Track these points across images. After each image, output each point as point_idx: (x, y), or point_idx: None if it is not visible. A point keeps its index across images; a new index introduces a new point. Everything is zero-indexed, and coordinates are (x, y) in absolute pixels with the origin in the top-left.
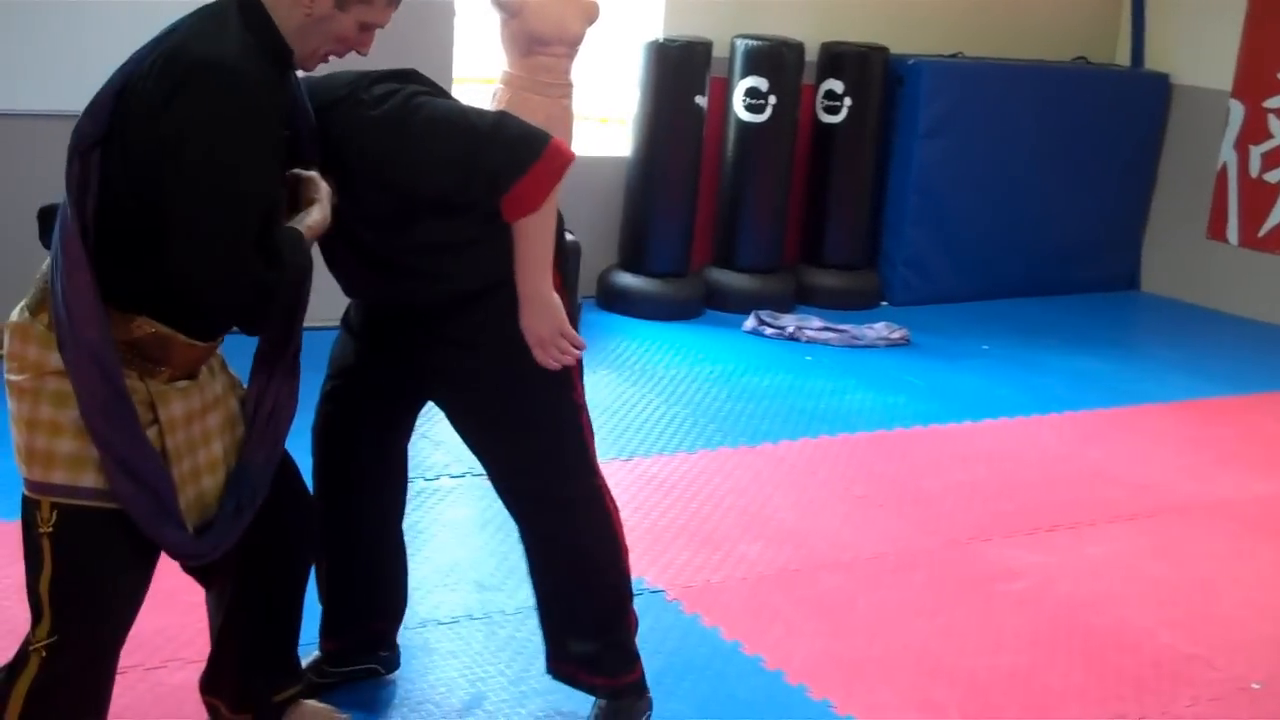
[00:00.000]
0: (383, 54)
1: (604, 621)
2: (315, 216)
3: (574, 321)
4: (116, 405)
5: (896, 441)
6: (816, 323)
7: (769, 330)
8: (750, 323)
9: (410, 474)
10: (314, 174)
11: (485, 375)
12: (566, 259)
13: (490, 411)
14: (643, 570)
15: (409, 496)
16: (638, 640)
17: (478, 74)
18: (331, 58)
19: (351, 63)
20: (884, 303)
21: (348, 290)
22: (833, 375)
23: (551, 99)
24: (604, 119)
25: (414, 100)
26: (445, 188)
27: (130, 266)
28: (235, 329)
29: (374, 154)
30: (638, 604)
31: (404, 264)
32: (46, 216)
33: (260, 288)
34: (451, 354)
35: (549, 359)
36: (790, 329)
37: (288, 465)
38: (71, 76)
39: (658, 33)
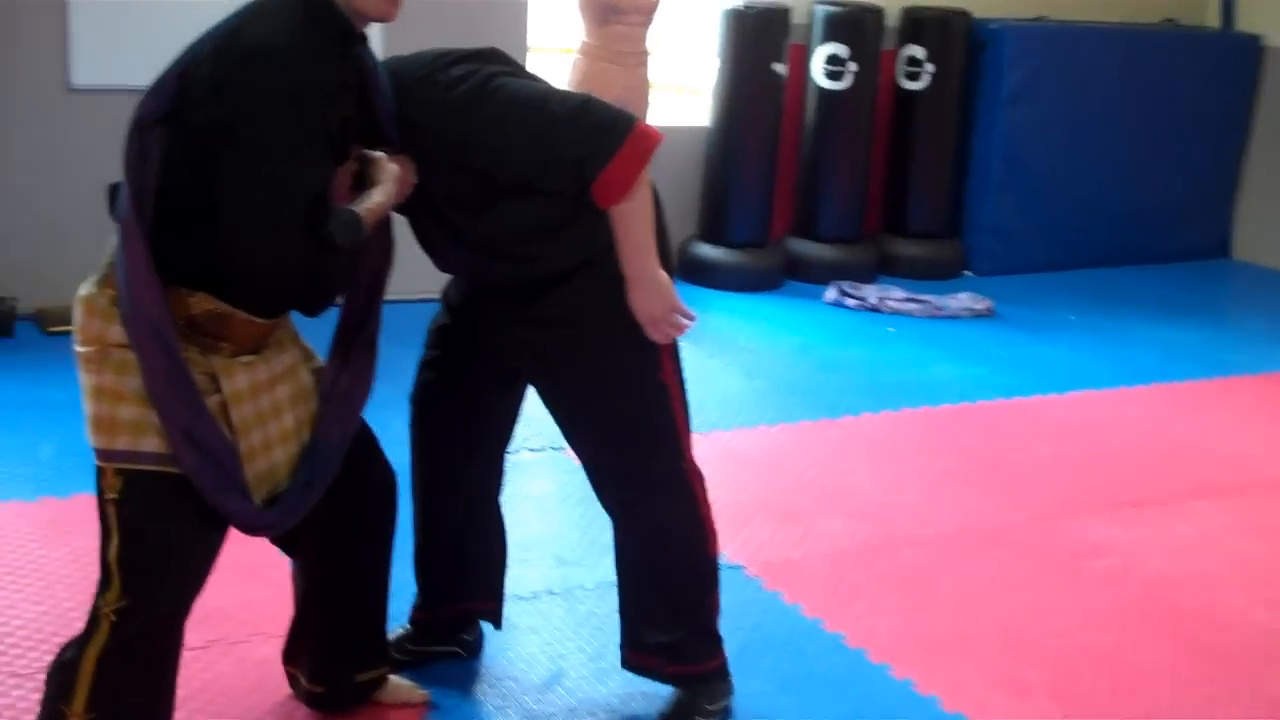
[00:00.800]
0: (457, 25)
1: (687, 608)
2: (376, 198)
3: None
4: (177, 376)
5: (980, 414)
6: (898, 293)
7: (850, 301)
8: (831, 294)
9: None
10: (380, 155)
11: (572, 355)
12: (664, 232)
13: (577, 391)
14: (722, 545)
15: None
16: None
17: (555, 44)
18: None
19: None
20: (967, 272)
21: (440, 267)
22: (915, 347)
23: (628, 68)
24: (682, 88)
25: (492, 82)
26: (525, 173)
27: (187, 244)
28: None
29: (452, 137)
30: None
31: (492, 245)
32: (116, 191)
33: (310, 270)
34: (539, 332)
35: (661, 335)
36: (872, 300)
37: (366, 435)
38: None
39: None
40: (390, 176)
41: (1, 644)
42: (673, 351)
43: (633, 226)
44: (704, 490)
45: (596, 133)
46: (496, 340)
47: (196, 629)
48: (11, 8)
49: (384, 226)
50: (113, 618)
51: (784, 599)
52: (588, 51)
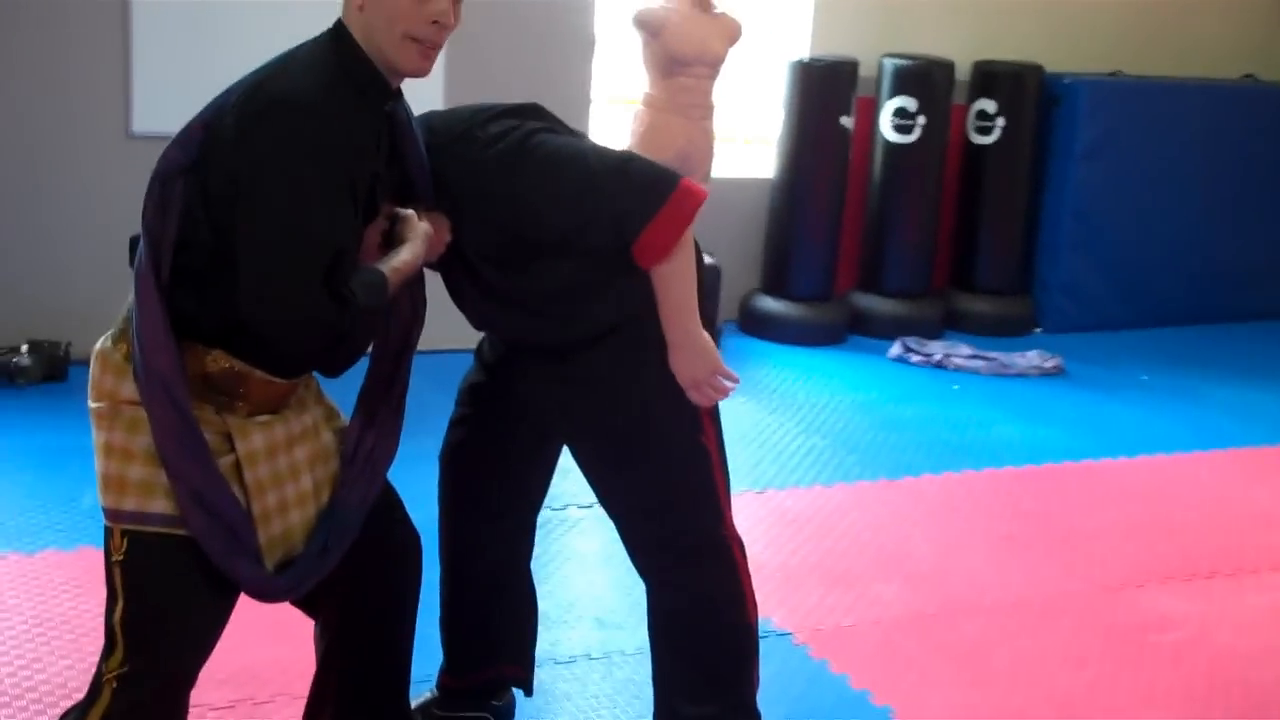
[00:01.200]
0: (522, 75)
1: (723, 681)
2: (403, 256)
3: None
4: (188, 436)
5: (1046, 477)
6: (965, 350)
7: (915, 358)
8: (895, 349)
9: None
10: (410, 212)
11: (608, 416)
12: (708, 292)
13: (612, 453)
14: (769, 611)
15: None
16: (760, 688)
17: (620, 95)
18: (430, 46)
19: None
20: (1037, 329)
21: (475, 325)
22: (980, 405)
23: (692, 120)
24: (748, 140)
25: (531, 140)
26: (563, 231)
27: (204, 300)
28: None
29: (489, 196)
30: (764, 646)
31: (528, 303)
32: (137, 243)
33: (327, 330)
34: (574, 392)
35: (704, 399)
36: (937, 356)
37: (390, 496)
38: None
39: (803, 52)
40: (419, 235)
41: (24, 699)
42: (713, 412)
43: (674, 288)
44: (744, 557)
45: (638, 192)
46: (530, 400)
47: (220, 688)
48: (75, 54)
49: (416, 285)
50: (115, 684)
51: (831, 668)
52: (652, 104)
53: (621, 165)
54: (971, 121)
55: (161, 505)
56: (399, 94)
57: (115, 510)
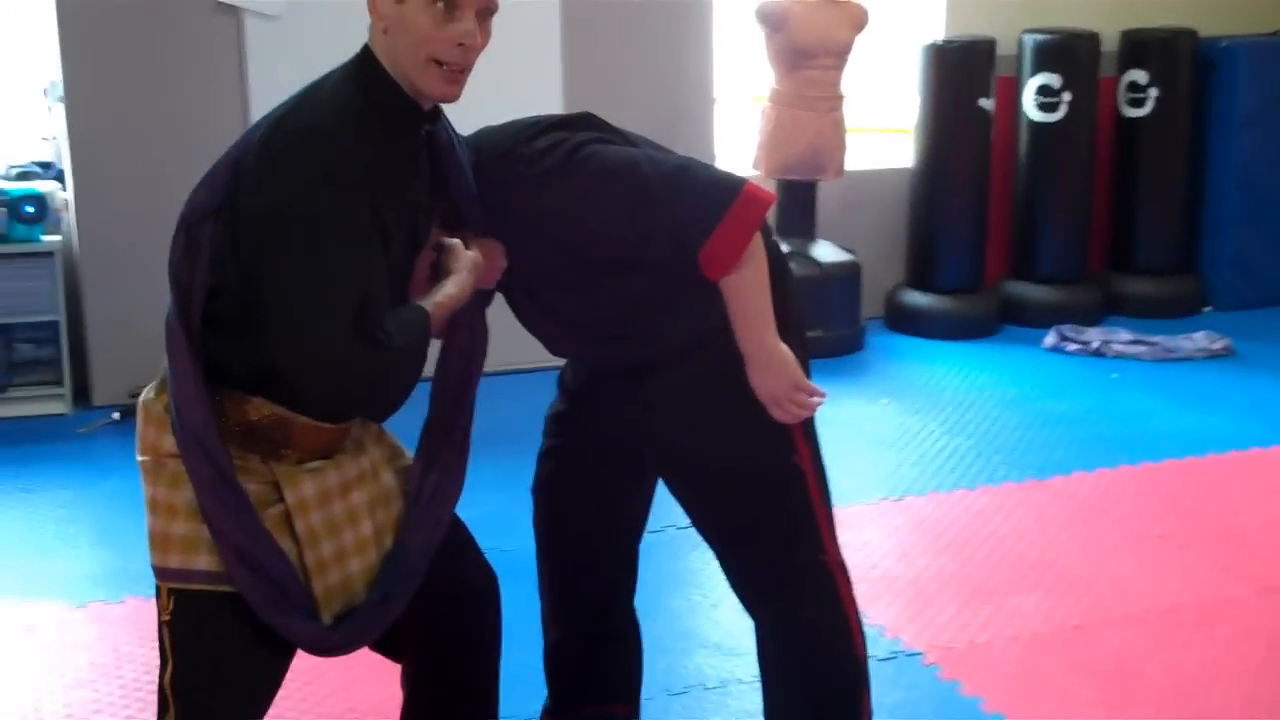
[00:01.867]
0: (643, 78)
1: (830, 715)
2: (448, 290)
3: (804, 367)
4: (226, 492)
5: (1209, 470)
6: (1125, 335)
7: (1071, 346)
8: (1050, 339)
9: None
10: (456, 242)
11: (693, 441)
12: (787, 297)
13: (700, 478)
14: (899, 630)
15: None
16: (881, 714)
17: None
18: (456, 70)
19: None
20: (1207, 308)
21: (551, 351)
22: (1140, 394)
23: (821, 114)
24: (883, 129)
25: (581, 152)
26: (622, 248)
27: (239, 349)
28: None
29: (540, 215)
30: (890, 668)
31: (597, 327)
32: None
33: (362, 378)
34: (657, 417)
35: (787, 416)
36: (1095, 344)
37: (460, 535)
38: None
39: (937, 34)
40: (467, 265)
41: None
42: (807, 431)
43: (746, 298)
44: (848, 584)
45: (698, 200)
46: (612, 426)
47: None
48: (196, 92)
49: (475, 316)
50: None
51: (962, 690)
52: (778, 99)
53: (678, 173)
54: (1122, 94)
55: (206, 562)
56: (436, 115)
57: (161, 568)
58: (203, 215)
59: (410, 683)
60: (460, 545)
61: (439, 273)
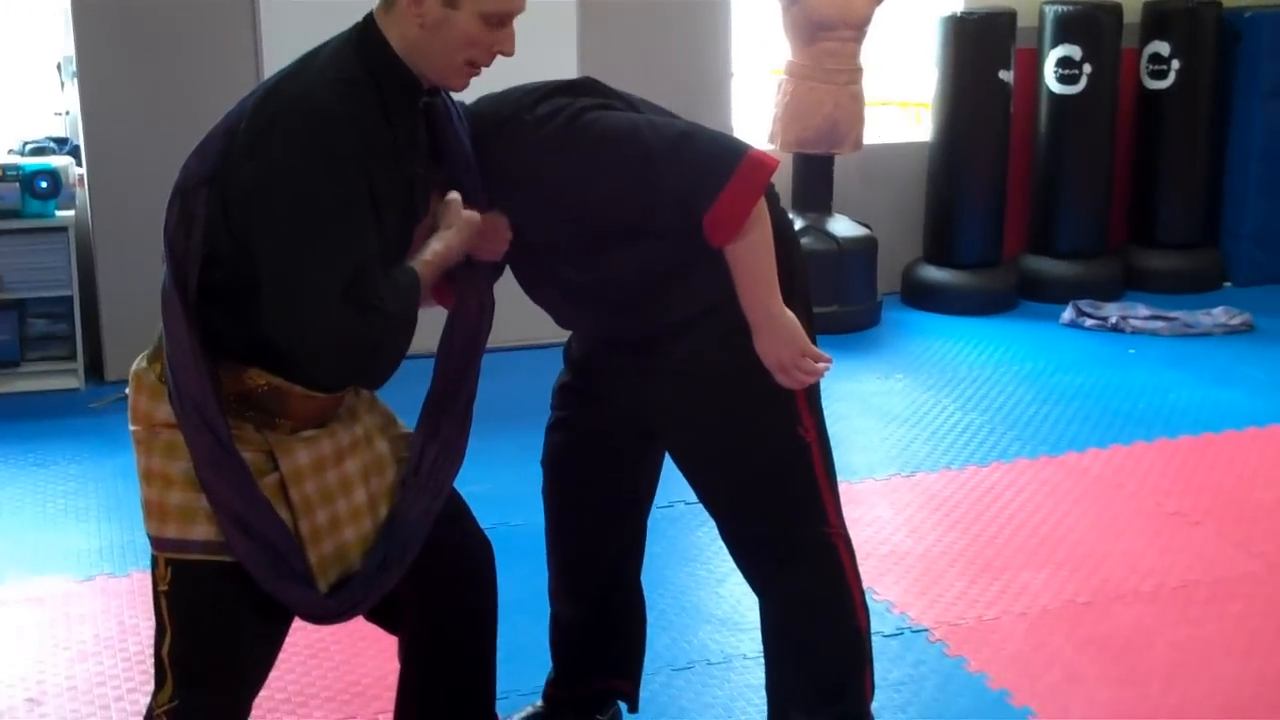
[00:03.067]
0: (657, 51)
1: (831, 690)
2: (436, 246)
3: (810, 334)
4: (223, 458)
5: (1225, 446)
6: (1143, 310)
7: (1089, 321)
8: (1068, 314)
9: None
10: (453, 197)
11: (698, 410)
12: (794, 267)
13: (704, 450)
14: (907, 606)
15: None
16: (888, 689)
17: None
18: (482, 69)
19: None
20: (1227, 284)
21: (558, 323)
22: (1157, 370)
23: (839, 86)
24: (903, 103)
25: (582, 118)
26: (625, 215)
27: (234, 318)
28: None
29: (542, 182)
30: (897, 644)
31: (604, 296)
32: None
33: (355, 345)
34: (663, 387)
35: (792, 382)
36: (1113, 319)
37: (457, 506)
38: None
39: (956, 5)
40: (460, 221)
41: None
42: (812, 405)
43: (751, 264)
44: (852, 558)
45: (701, 166)
46: (619, 398)
47: (324, 706)
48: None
49: (484, 287)
50: (166, 717)
51: (968, 667)
52: (795, 72)
53: (681, 139)
54: (1144, 66)
55: (203, 531)
56: (435, 89)
57: (158, 538)
58: (196, 183)
59: (407, 654)
60: (455, 516)
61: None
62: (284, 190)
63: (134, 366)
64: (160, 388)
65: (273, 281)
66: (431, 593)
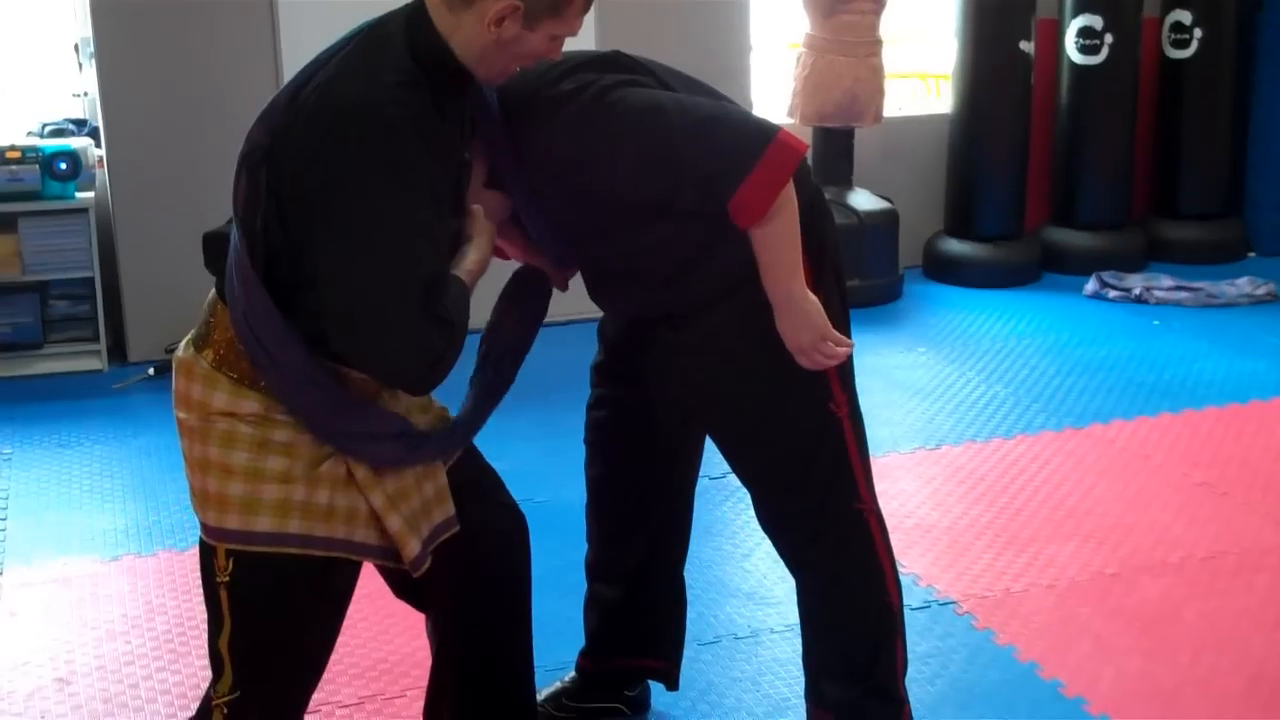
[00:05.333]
0: (678, 24)
1: (862, 664)
2: (471, 258)
3: (843, 318)
4: (341, 399)
5: (1252, 416)
6: (1167, 281)
7: (1112, 293)
8: (1091, 286)
9: None
10: (475, 209)
11: (729, 387)
12: (826, 243)
13: (735, 426)
14: (934, 579)
15: None
16: (915, 662)
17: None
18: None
19: None
20: (1251, 254)
21: (593, 299)
22: (1182, 341)
23: (859, 59)
24: (923, 75)
25: (608, 95)
26: (652, 195)
27: (291, 309)
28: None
29: (569, 160)
30: (924, 617)
31: (631, 272)
32: (212, 242)
33: (435, 354)
34: (694, 364)
35: (811, 364)
36: (1136, 290)
37: (490, 477)
38: None
39: None
40: (484, 232)
41: (156, 701)
42: (844, 379)
43: (774, 249)
44: (884, 533)
45: (728, 150)
46: (657, 375)
47: (352, 684)
48: (228, 46)
49: (539, 290)
50: (225, 710)
51: (997, 640)
52: (814, 45)
53: (708, 121)
54: (1166, 35)
55: (266, 523)
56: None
57: (219, 529)
58: (260, 156)
59: (440, 630)
60: (491, 489)
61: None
62: (350, 211)
63: (179, 354)
64: (215, 375)
65: (344, 299)
66: (467, 564)
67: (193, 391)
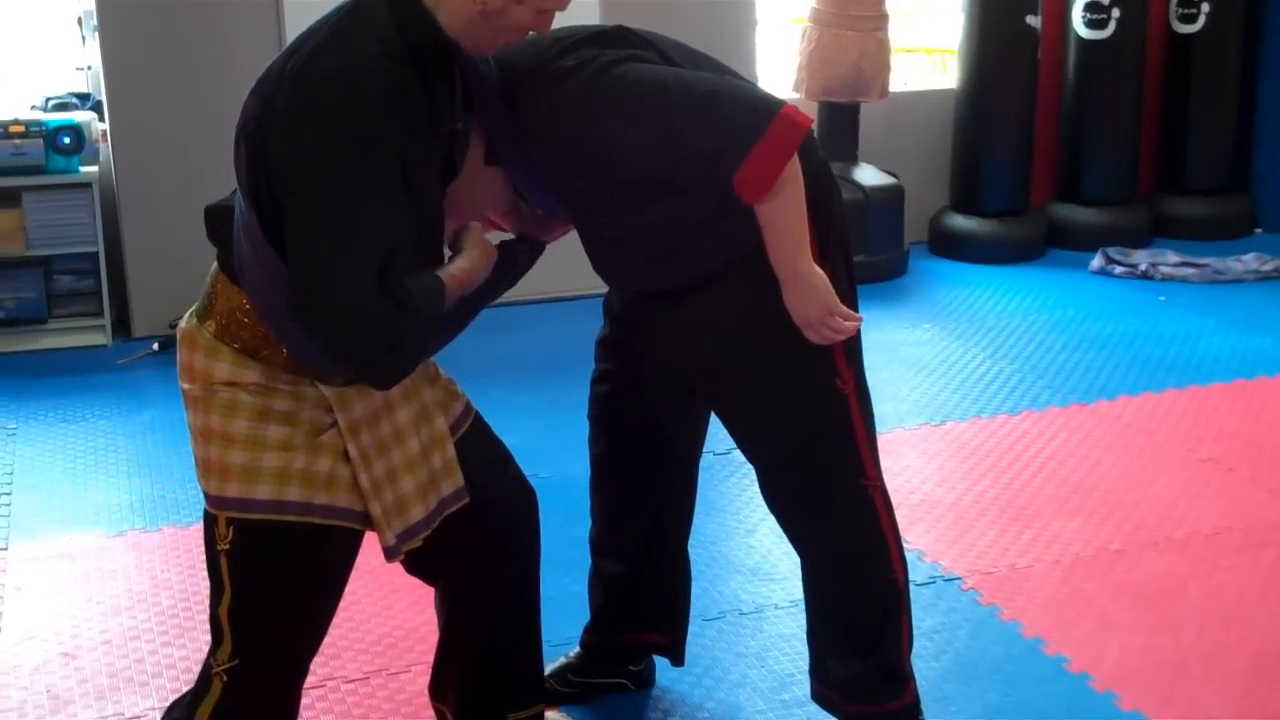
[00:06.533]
0: (680, 2)
1: (866, 640)
2: (460, 264)
3: (850, 292)
4: None
5: (1257, 392)
6: (1173, 257)
7: (1118, 269)
8: (1097, 261)
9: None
10: (474, 224)
11: (731, 361)
12: (833, 217)
13: (740, 401)
14: (939, 555)
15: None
16: (919, 639)
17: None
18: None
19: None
20: (1257, 229)
21: (598, 273)
22: (1188, 317)
23: (865, 33)
24: (929, 50)
25: (611, 71)
26: (656, 170)
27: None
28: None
29: (570, 135)
30: (929, 593)
31: (634, 247)
32: (214, 215)
33: (381, 334)
34: (697, 337)
35: (820, 340)
36: (1143, 266)
37: (497, 449)
38: None
39: None
40: (479, 247)
41: (161, 675)
42: (850, 355)
43: (780, 224)
44: (889, 509)
45: (732, 125)
46: (662, 349)
47: (357, 659)
48: (232, 19)
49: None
50: (225, 678)
51: (1001, 615)
52: (819, 18)
53: (712, 95)
54: (1173, 9)
55: (266, 491)
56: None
57: (219, 497)
58: (254, 127)
59: (450, 601)
60: (498, 460)
61: (454, 247)
62: (314, 174)
63: (182, 325)
64: (217, 345)
65: (302, 267)
66: (475, 535)
67: (195, 362)
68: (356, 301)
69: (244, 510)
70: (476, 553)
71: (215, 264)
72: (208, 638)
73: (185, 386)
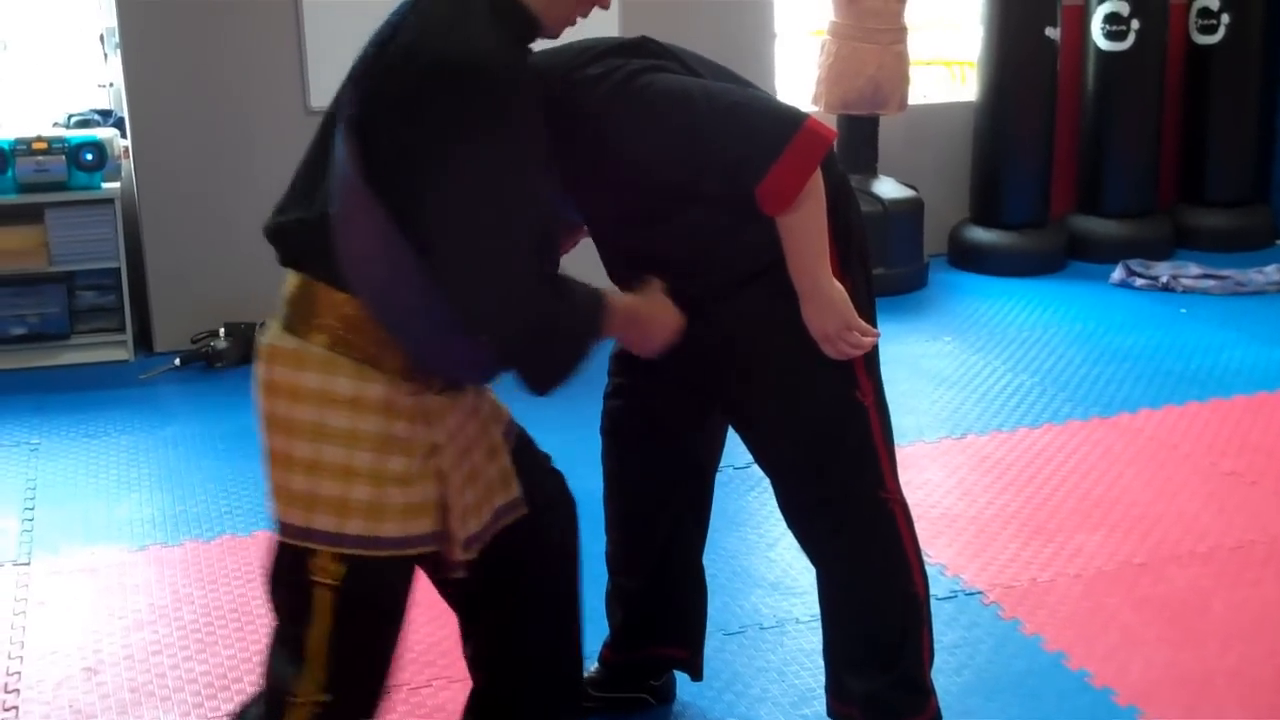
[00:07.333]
0: (700, 11)
1: (885, 654)
2: (626, 299)
3: (869, 305)
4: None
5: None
6: (1194, 269)
7: (1139, 281)
8: (1118, 274)
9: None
10: (658, 283)
11: (749, 372)
12: (852, 229)
13: (758, 413)
14: (960, 569)
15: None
16: (941, 653)
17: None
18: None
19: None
20: (1279, 241)
21: (614, 284)
22: (1210, 329)
23: (883, 46)
24: (948, 62)
25: (636, 81)
26: (678, 180)
27: None
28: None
29: (592, 144)
30: (951, 607)
31: (655, 258)
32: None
33: (526, 304)
34: (715, 349)
35: (837, 354)
36: (1164, 278)
37: (542, 464)
38: None
39: None
40: (658, 303)
41: (184, 690)
42: (869, 367)
43: (800, 237)
44: (909, 522)
45: (755, 137)
46: (678, 362)
47: None
48: (252, 36)
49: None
50: (315, 709)
51: (1023, 630)
52: (838, 32)
53: (736, 107)
54: (1193, 21)
55: (392, 528)
56: None
57: (337, 535)
58: (366, 113)
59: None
60: (549, 471)
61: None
62: (458, 165)
63: (272, 343)
64: (334, 358)
65: (460, 253)
66: (535, 542)
67: (306, 380)
68: (519, 284)
69: (367, 548)
70: (534, 554)
71: (297, 276)
72: (230, 652)
73: (283, 410)
